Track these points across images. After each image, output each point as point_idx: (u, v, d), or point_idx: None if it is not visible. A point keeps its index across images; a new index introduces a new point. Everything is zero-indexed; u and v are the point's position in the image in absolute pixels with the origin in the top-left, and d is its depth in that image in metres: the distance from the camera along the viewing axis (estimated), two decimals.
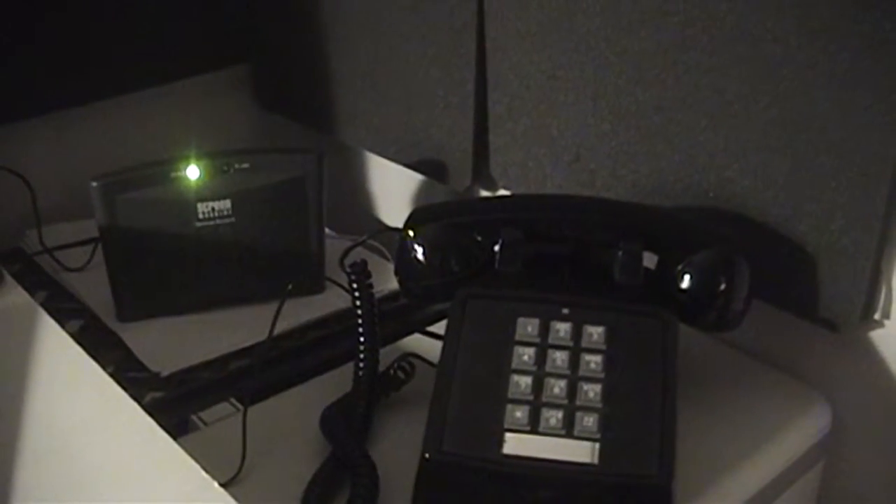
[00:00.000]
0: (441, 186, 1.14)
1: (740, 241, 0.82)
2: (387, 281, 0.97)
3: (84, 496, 0.62)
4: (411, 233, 0.82)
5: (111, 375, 0.75)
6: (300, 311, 0.99)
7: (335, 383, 0.85)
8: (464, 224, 0.82)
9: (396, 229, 0.85)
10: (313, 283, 1.02)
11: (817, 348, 0.88)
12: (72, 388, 0.72)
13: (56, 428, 0.68)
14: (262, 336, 0.93)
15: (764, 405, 0.86)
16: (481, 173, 1.09)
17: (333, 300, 1.01)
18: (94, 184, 0.94)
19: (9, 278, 0.86)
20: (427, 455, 0.70)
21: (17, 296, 0.84)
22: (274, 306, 0.84)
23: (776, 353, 0.90)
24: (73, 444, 0.67)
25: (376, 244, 1.09)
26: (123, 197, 0.94)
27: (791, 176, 0.82)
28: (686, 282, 0.78)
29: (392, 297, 1.02)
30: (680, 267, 0.79)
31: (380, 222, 1.31)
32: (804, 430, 0.86)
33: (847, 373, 0.87)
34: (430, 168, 1.13)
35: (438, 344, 0.85)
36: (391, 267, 1.02)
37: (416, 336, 0.93)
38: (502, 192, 1.08)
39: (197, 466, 0.63)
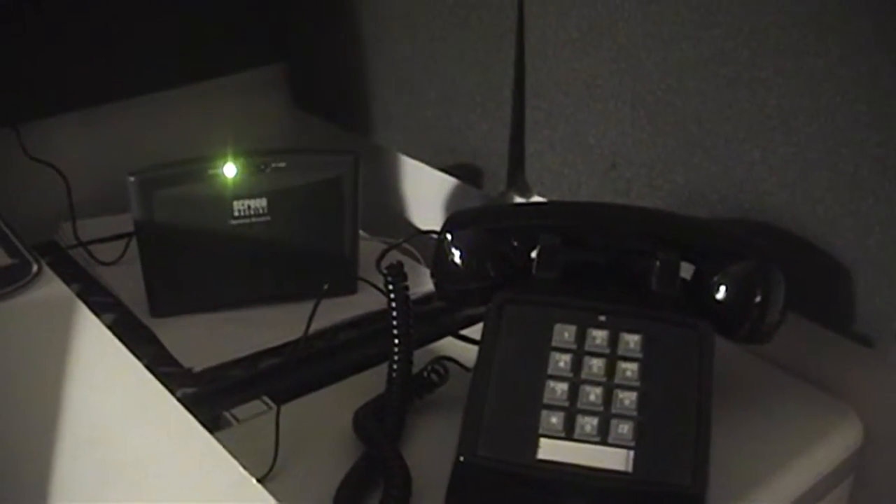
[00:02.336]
0: (474, 191, 1.14)
1: (777, 253, 0.82)
2: (419, 284, 0.97)
3: (121, 488, 0.62)
4: (449, 236, 0.82)
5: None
6: (332, 312, 0.98)
7: (367, 384, 0.85)
8: (502, 229, 0.82)
9: (433, 232, 0.85)
10: (346, 284, 1.02)
11: (851, 363, 0.88)
12: (110, 381, 0.73)
13: (94, 419, 0.68)
14: (295, 335, 0.94)
15: (795, 419, 0.86)
16: (516, 179, 1.09)
17: (366, 301, 1.01)
18: (132, 179, 0.94)
19: (47, 269, 0.86)
20: (462, 458, 0.70)
21: (55, 287, 0.84)
22: (306, 306, 0.84)
23: (809, 367, 0.90)
24: (110, 436, 0.67)
25: (409, 247, 1.09)
26: (160, 192, 0.95)
27: (829, 190, 0.81)
28: (721, 293, 0.78)
29: (424, 300, 1.02)
30: (716, 278, 0.79)
31: (411, 225, 1.31)
32: (834, 445, 0.86)
33: (880, 389, 0.87)
34: (464, 172, 1.13)
35: (469, 348, 0.86)
36: (423, 270, 1.03)
37: (448, 339, 0.93)
38: (536, 198, 1.08)
39: (234, 462, 0.63)
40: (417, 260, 1.09)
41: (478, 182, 1.12)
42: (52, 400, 0.70)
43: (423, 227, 1.26)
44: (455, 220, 0.84)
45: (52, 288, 0.84)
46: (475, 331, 0.89)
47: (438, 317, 1.02)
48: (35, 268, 0.86)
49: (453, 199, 1.22)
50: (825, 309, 0.85)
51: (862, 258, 0.81)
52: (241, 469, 0.63)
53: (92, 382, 0.72)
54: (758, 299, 0.79)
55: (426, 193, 1.27)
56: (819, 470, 0.83)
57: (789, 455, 0.82)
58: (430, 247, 1.05)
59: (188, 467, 0.64)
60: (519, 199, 1.11)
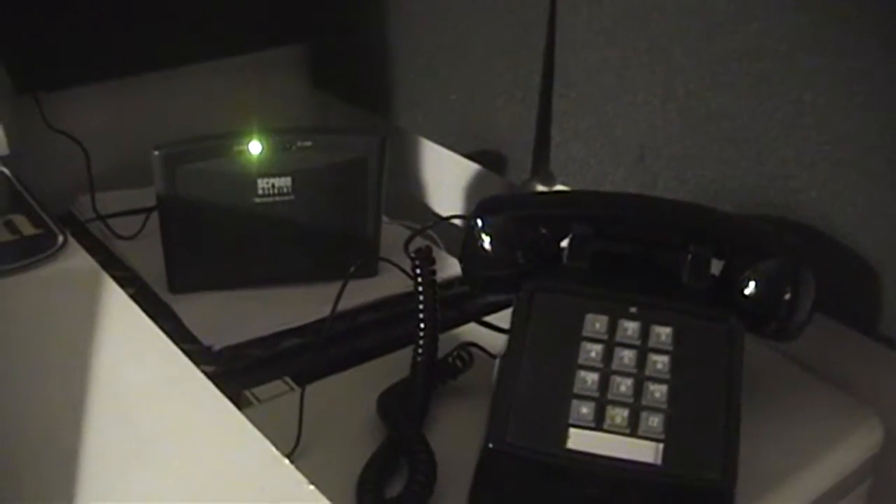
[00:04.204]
0: (495, 178, 1.13)
1: (805, 251, 0.82)
2: (440, 269, 0.97)
3: (149, 461, 0.62)
4: (480, 222, 0.82)
5: None
6: (352, 294, 0.97)
7: (389, 368, 0.85)
8: (534, 217, 0.82)
9: (461, 217, 0.85)
10: (367, 266, 1.02)
11: (874, 365, 0.87)
12: (136, 354, 0.72)
13: (121, 391, 0.68)
14: (315, 316, 0.93)
15: (815, 419, 0.85)
16: (540, 167, 1.08)
17: (386, 284, 1.00)
18: (157, 153, 0.93)
19: (72, 241, 0.85)
20: (491, 445, 0.70)
21: (81, 259, 0.84)
22: (326, 286, 0.84)
23: (831, 367, 0.90)
24: (138, 409, 0.66)
25: (429, 232, 1.09)
26: (184, 167, 0.94)
27: (860, 190, 0.81)
28: (751, 288, 0.78)
29: (444, 285, 1.01)
30: (746, 273, 0.78)
31: (429, 209, 1.30)
32: (854, 447, 0.85)
33: None
34: (488, 159, 1.13)
35: (490, 334, 0.85)
36: (444, 255, 1.03)
37: (468, 325, 0.93)
38: (559, 187, 1.08)
39: (265, 440, 0.63)
40: (437, 245, 1.09)
41: (501, 169, 1.11)
42: (78, 371, 0.69)
43: (442, 212, 1.26)
44: (486, 205, 0.83)
45: (77, 259, 0.84)
46: (497, 317, 0.88)
47: (459, 302, 1.01)
48: (61, 239, 0.85)
49: (474, 186, 1.21)
50: (851, 309, 0.85)
51: (890, 259, 0.81)
52: (272, 448, 0.62)
53: (118, 355, 0.72)
54: (787, 297, 0.78)
55: (446, 178, 1.26)
56: (838, 471, 0.83)
57: (809, 455, 0.81)
58: (450, 232, 1.05)
59: (217, 444, 0.64)
60: (541, 188, 1.11)
